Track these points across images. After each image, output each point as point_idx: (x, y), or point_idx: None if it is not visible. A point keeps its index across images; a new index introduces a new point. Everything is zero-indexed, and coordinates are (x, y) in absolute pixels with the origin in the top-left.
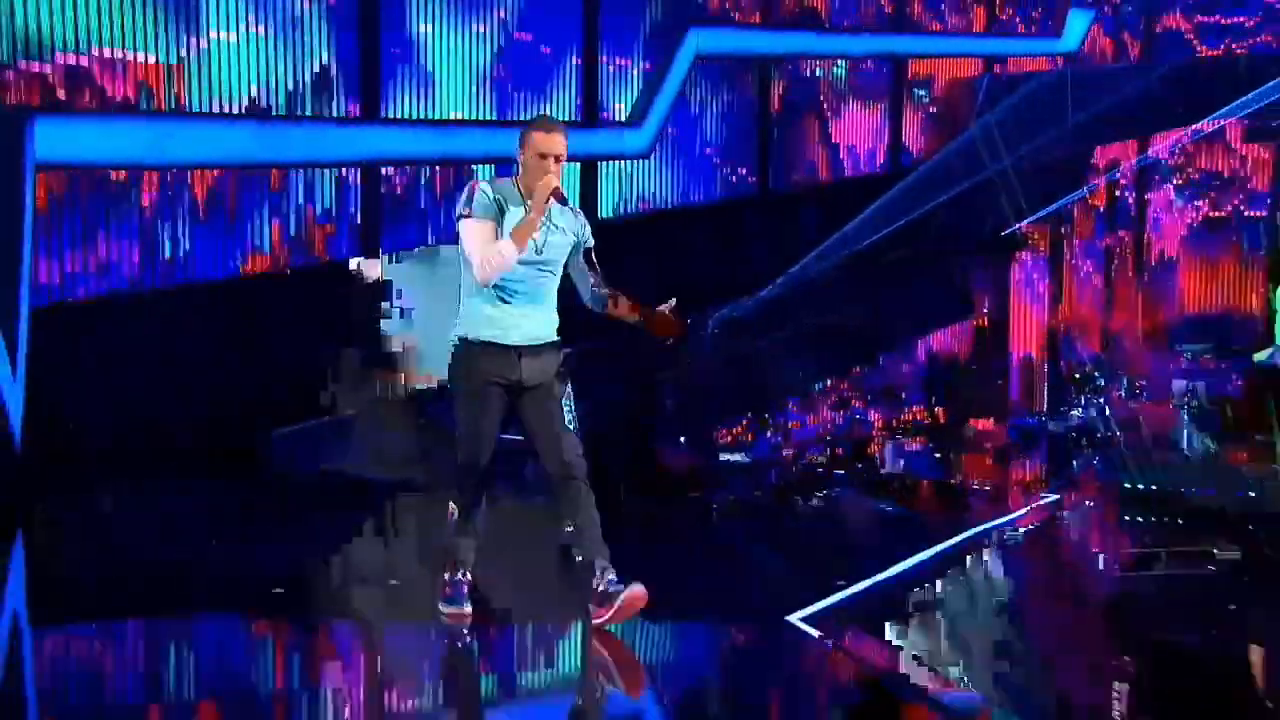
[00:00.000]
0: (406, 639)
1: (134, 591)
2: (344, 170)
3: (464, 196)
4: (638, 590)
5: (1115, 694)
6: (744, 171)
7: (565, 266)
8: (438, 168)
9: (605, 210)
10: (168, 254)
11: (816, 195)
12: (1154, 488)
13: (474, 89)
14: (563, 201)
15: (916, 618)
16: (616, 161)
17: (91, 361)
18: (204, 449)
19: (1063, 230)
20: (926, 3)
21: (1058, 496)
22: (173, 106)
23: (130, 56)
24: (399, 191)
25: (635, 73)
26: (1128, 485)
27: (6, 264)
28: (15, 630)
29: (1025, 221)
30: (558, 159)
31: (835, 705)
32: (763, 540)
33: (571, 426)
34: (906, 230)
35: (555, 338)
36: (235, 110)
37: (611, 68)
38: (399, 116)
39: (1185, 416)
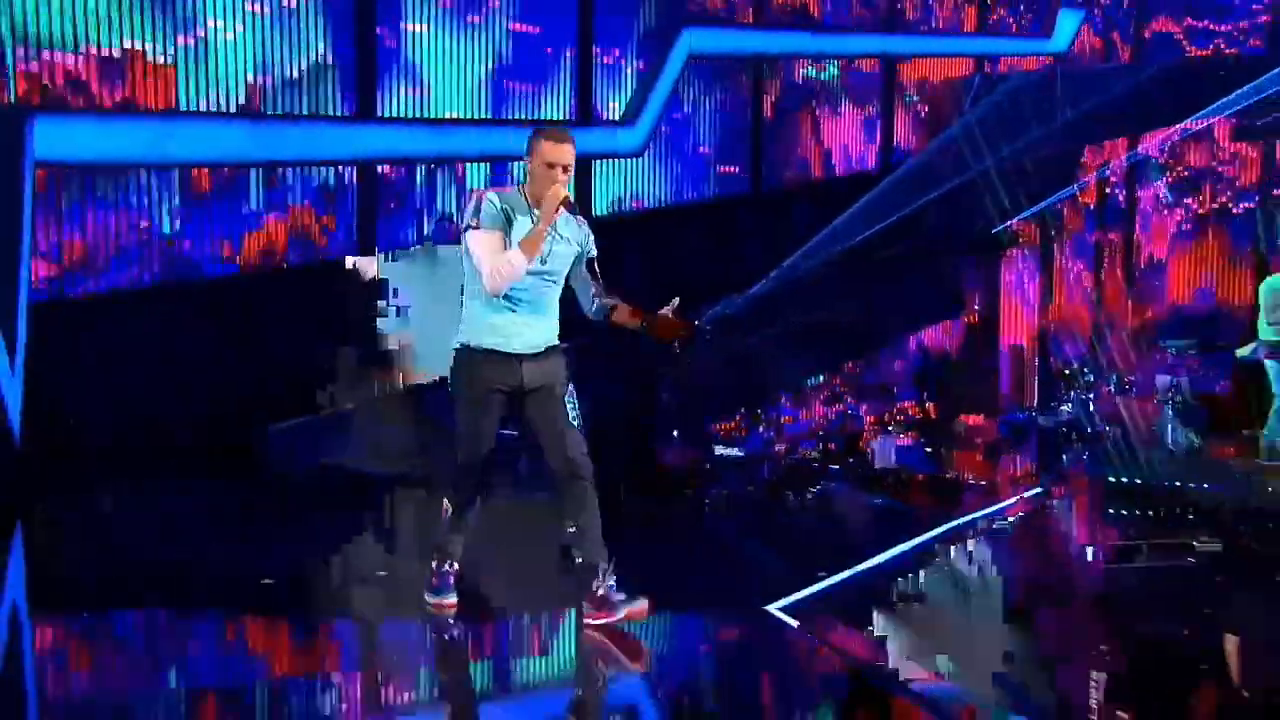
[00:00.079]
0: (396, 633)
1: (130, 587)
2: (340, 168)
3: (471, 207)
4: (642, 606)
5: (1093, 684)
6: (736, 170)
7: (567, 275)
8: (433, 166)
9: (599, 208)
10: (166, 252)
11: (808, 193)
12: (1138, 482)
13: (469, 88)
14: (571, 211)
15: (891, 607)
16: (610, 160)
17: (89, 358)
18: (202, 445)
19: (1052, 228)
20: (918, 3)
21: (1039, 490)
22: (167, 100)
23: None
24: (396, 190)
25: (629, 72)
26: (1112, 479)
27: (5, 261)
28: (14, 625)
29: (1015, 219)
30: (565, 169)
31: (807, 692)
32: (751, 533)
33: (575, 424)
34: (896, 228)
35: (556, 342)
36: (229, 104)
37: (605, 66)
38: (394, 115)
39: (1169, 412)
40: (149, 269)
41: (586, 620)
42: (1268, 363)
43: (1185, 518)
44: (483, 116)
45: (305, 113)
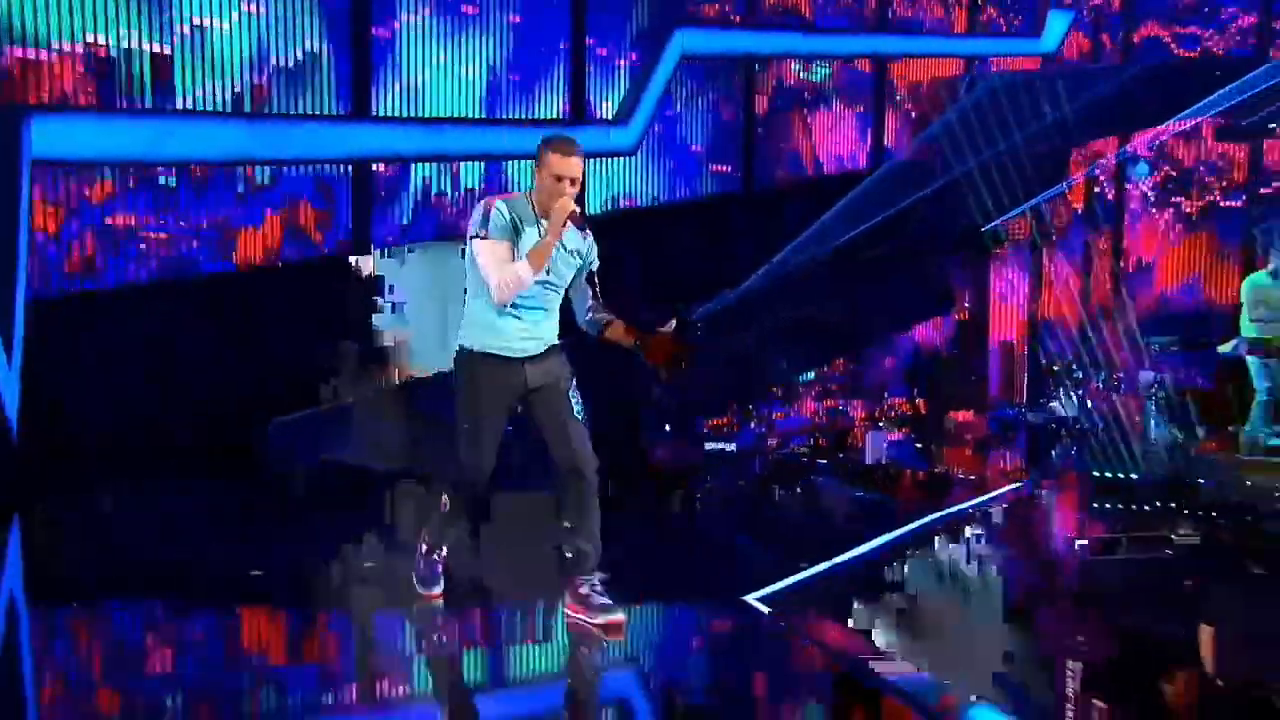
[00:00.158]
0: (381, 624)
1: (127, 584)
2: (336, 167)
3: (479, 216)
4: (619, 619)
5: (1069, 673)
6: (729, 169)
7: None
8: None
9: (592, 207)
10: (163, 250)
11: (800, 192)
12: (1120, 476)
13: (463, 87)
14: (579, 226)
15: (867, 597)
16: (603, 159)
17: (87, 356)
18: (201, 444)
19: (1040, 227)
20: (909, 3)
21: (1021, 485)
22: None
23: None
24: (391, 188)
25: (622, 71)
26: (1096, 474)
27: (3, 259)
28: (11, 624)
29: (1002, 219)
30: (573, 181)
31: (780, 680)
32: (737, 526)
33: (579, 418)
34: (882, 227)
35: (556, 341)
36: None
37: (598, 65)
38: (387, 114)
39: (1152, 407)
40: (146, 266)
41: (567, 611)
42: (1249, 359)
43: (1165, 512)
44: (477, 116)
45: (300, 110)
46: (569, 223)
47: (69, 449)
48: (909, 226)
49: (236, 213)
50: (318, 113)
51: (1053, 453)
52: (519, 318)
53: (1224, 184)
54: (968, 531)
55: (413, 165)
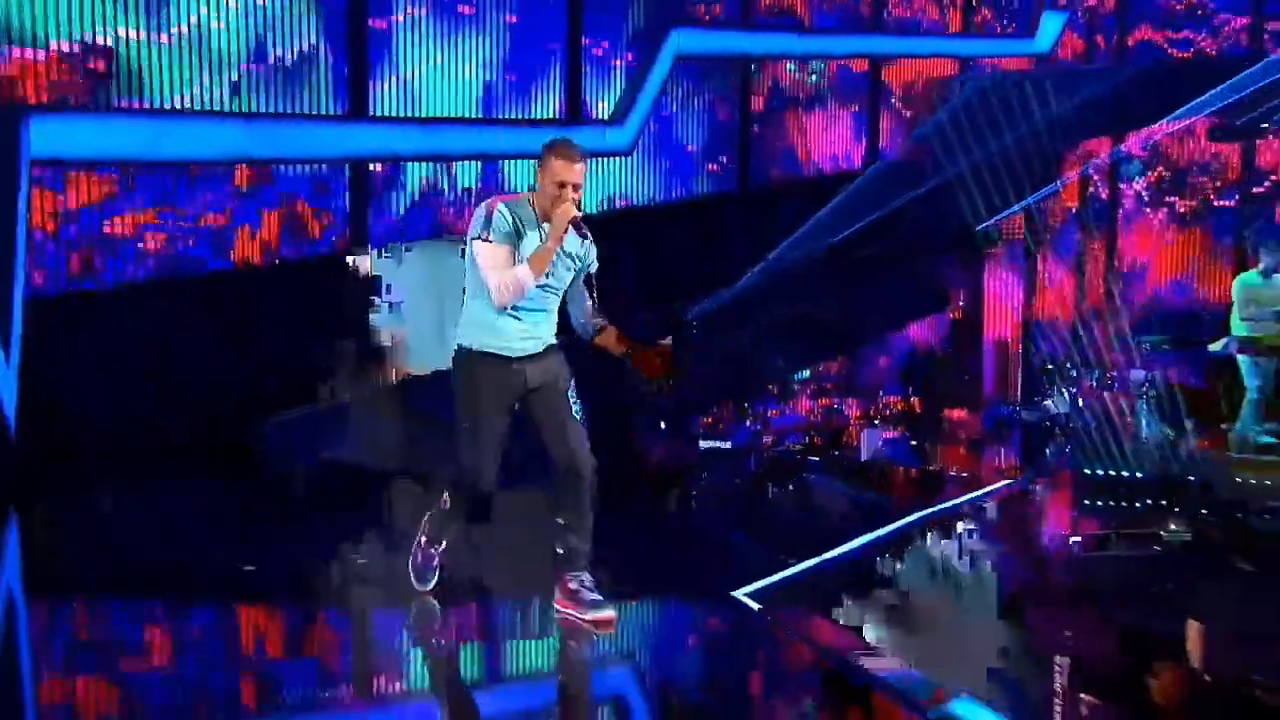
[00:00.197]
0: (376, 619)
1: (125, 582)
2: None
3: (482, 218)
4: (609, 615)
5: (1057, 669)
6: (724, 168)
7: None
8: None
9: (588, 206)
10: (161, 249)
11: (795, 191)
12: (1111, 474)
13: (459, 87)
14: (581, 234)
15: (856, 592)
16: (599, 158)
17: (86, 354)
18: (198, 441)
19: (1033, 226)
20: (905, 4)
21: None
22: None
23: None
24: (388, 187)
25: (618, 71)
26: (1087, 471)
27: (1, 257)
28: (10, 623)
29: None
30: (576, 187)
31: (766, 673)
32: (730, 522)
33: (578, 417)
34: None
35: (554, 341)
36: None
37: (594, 65)
38: (384, 113)
39: (1143, 405)
40: (144, 266)
41: (556, 606)
42: (1239, 357)
43: (1156, 509)
44: (473, 116)
45: (296, 106)
46: (569, 227)
47: (67, 447)
48: (902, 226)
49: (234, 212)
50: (314, 111)
51: (1047, 451)
52: (518, 319)
53: (1217, 184)
54: (956, 528)
55: (410, 165)
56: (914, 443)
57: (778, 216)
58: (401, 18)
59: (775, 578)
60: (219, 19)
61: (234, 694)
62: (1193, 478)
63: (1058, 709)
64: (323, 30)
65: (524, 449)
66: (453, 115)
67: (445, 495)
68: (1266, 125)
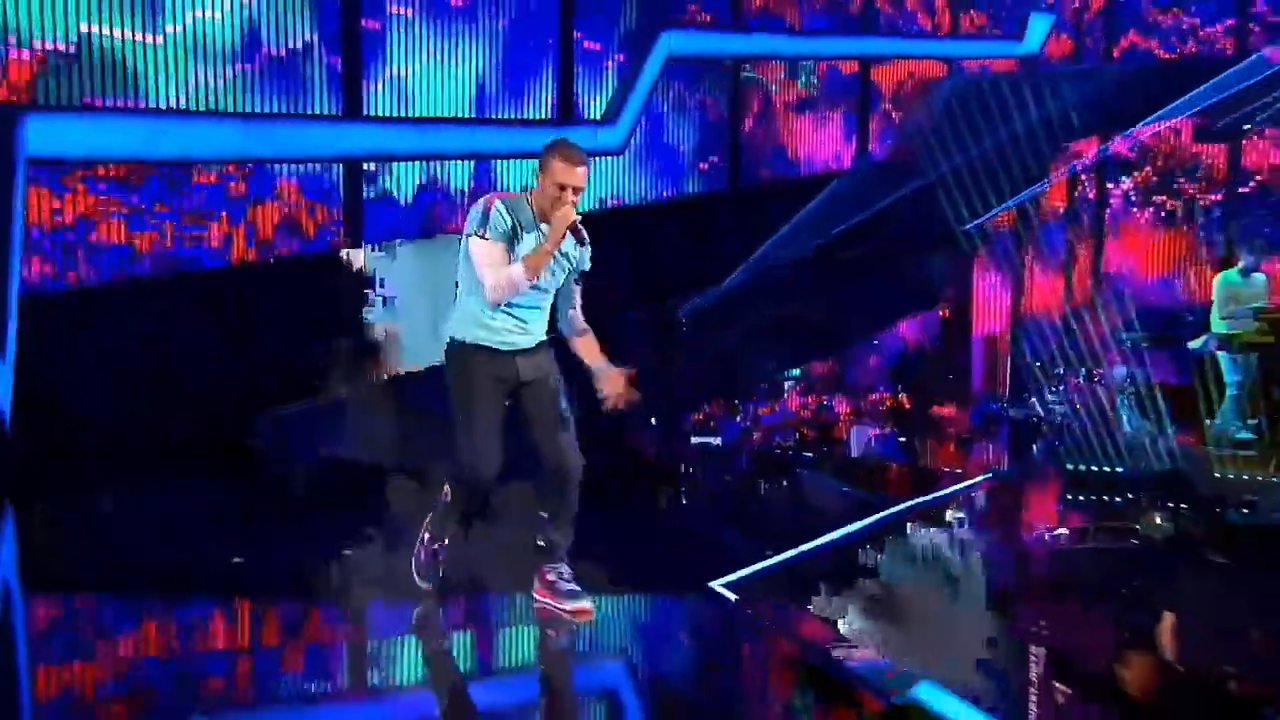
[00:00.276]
0: (371, 613)
1: (123, 576)
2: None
3: (479, 215)
4: (586, 606)
5: (1033, 659)
6: (714, 168)
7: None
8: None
9: (581, 205)
10: (158, 246)
11: (786, 191)
12: (1093, 469)
13: (452, 87)
14: (579, 239)
15: (832, 584)
16: (591, 158)
17: (84, 352)
18: (196, 438)
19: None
20: (893, 5)
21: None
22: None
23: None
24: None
25: (610, 71)
26: (1069, 467)
27: None
28: (8, 621)
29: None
30: (576, 190)
31: (741, 662)
32: (717, 518)
33: (568, 415)
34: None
35: (544, 338)
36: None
37: (586, 65)
38: (378, 113)
39: (1124, 401)
40: (140, 264)
41: (534, 596)
42: (1220, 355)
43: (1134, 503)
44: (466, 115)
45: (289, 104)
46: (568, 231)
47: (66, 445)
48: (888, 226)
49: (231, 210)
50: (309, 111)
51: (1034, 446)
52: (511, 314)
53: (1202, 183)
54: (938, 522)
55: (403, 164)
56: (903, 439)
57: (768, 216)
58: (400, 28)
59: (751, 569)
60: (214, 18)
61: (234, 693)
62: (1172, 473)
63: (1032, 700)
64: (317, 29)
65: (515, 445)
66: (446, 115)
67: (445, 488)
68: (1249, 126)
